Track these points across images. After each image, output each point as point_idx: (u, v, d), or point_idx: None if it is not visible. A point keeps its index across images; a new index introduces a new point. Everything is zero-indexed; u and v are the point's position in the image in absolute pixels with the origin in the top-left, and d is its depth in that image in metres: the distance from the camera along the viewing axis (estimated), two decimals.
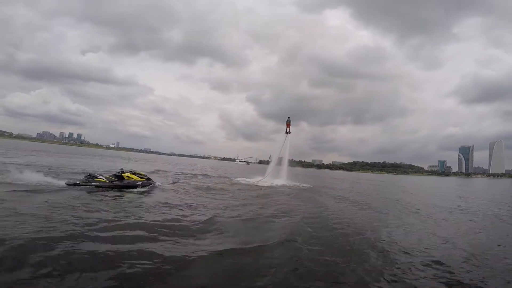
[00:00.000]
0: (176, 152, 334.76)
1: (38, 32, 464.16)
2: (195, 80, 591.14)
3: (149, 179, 17.25)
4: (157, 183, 17.82)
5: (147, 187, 16.44)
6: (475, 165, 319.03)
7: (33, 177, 14.84)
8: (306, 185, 27.93)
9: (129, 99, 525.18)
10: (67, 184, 14.23)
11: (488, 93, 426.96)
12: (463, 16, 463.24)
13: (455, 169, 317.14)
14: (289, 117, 32.16)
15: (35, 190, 12.27)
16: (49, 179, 15.02)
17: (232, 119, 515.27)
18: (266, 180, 28.44)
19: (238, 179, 29.82)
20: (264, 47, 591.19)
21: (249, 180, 28.91)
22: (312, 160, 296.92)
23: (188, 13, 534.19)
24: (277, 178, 29.77)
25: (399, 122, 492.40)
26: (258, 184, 25.66)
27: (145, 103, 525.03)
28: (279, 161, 32.54)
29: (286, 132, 31.86)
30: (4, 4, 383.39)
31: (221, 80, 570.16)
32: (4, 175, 14.80)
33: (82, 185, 14.39)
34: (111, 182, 15.23)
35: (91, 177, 15.12)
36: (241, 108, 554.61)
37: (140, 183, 16.20)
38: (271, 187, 24.02)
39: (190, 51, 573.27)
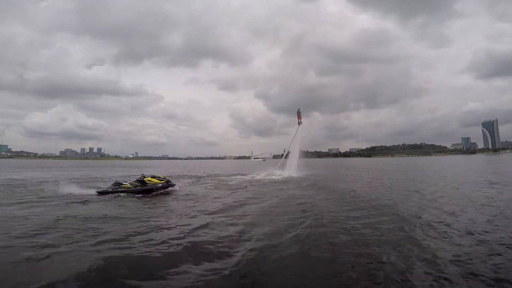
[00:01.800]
0: (193, 156, 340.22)
1: (41, 50, 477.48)
2: (202, 83, 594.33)
3: (168, 181, 18.28)
4: (176, 185, 18.74)
5: (167, 188, 17.53)
6: (502, 140, 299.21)
7: (70, 189, 16.99)
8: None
9: (141, 109, 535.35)
10: (98, 192, 15.99)
11: (504, 66, 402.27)
12: None
13: (480, 145, 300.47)
14: (299, 109, 33.34)
15: (78, 200, 13.99)
16: (83, 190, 17.03)
17: (243, 117, 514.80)
18: (274, 172, 29.69)
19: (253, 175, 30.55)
20: (266, 41, 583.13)
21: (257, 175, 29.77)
22: (328, 149, 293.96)
23: (185, 16, 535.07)
24: (284, 171, 30.66)
25: (415, 102, 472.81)
26: (266, 178, 26.56)
27: (157, 110, 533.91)
28: (290, 154, 33.40)
29: (299, 123, 32.66)
30: (1, 24, 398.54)
31: (227, 80, 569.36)
32: (50, 189, 17.08)
33: (110, 192, 16.01)
34: (135, 187, 16.65)
35: (117, 184, 16.78)
36: (250, 105, 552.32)
37: (160, 185, 17.23)
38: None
39: (193, 54, 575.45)
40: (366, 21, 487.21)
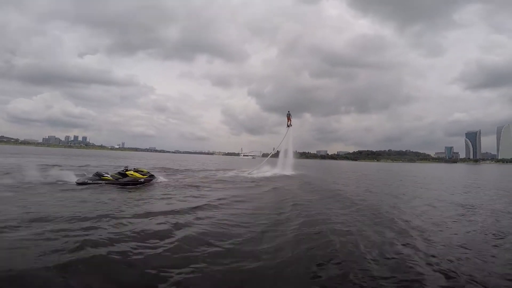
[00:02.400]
0: (181, 150, 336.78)
1: (33, 37, 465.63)
2: (196, 77, 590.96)
3: (151, 175, 18.03)
4: (159, 179, 18.44)
5: (149, 183, 17.15)
6: (483, 151, 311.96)
7: (49, 177, 16.30)
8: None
9: (131, 100, 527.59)
10: (77, 183, 15.49)
11: (493, 78, 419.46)
12: (462, 2, 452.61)
13: (462, 155, 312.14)
14: (289, 111, 33.63)
15: (55, 188, 13.68)
16: (62, 178, 16.37)
17: (235, 114, 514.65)
18: (259, 171, 29.67)
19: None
20: (263, 40, 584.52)
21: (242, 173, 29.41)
22: (316, 151, 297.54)
23: (184, 10, 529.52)
24: (273, 169, 30.92)
25: (404, 110, 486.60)
26: (250, 176, 26.16)
27: (147, 102, 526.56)
28: (279, 153, 33.85)
29: (288, 126, 33.09)
30: None
31: (221, 76, 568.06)
32: (24, 176, 15.79)
33: (90, 183, 15.59)
34: (116, 179, 16.43)
35: (98, 175, 16.58)
36: (243, 102, 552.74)
37: (142, 180, 16.99)
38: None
39: (189, 48, 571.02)
40: (365, 26, 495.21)
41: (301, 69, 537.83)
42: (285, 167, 31.37)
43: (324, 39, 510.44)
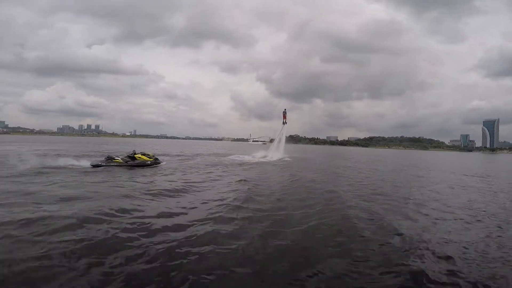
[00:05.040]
0: (191, 136, 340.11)
1: (40, 30, 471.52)
2: (204, 64, 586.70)
3: (156, 159, 19.65)
4: (164, 163, 20.11)
5: (155, 165, 18.81)
6: (500, 140, 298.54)
7: (66, 161, 17.99)
8: None
9: (141, 88, 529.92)
10: (92, 165, 17.21)
11: None
12: None
13: (479, 143, 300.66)
14: (285, 109, 35.39)
15: (74, 170, 15.48)
16: (79, 162, 18.04)
17: (244, 100, 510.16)
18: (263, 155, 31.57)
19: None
20: (271, 25, 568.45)
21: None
22: (327, 137, 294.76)
23: None
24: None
25: (419, 96, 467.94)
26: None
27: (157, 90, 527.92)
28: (274, 142, 35.71)
29: (283, 123, 34.83)
30: (1, 5, 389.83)
31: (229, 62, 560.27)
32: (46, 161, 17.54)
33: (103, 165, 17.37)
34: (126, 162, 18.16)
35: (110, 158, 18.32)
36: (252, 88, 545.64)
37: (149, 162, 18.67)
38: None
39: (195, 35, 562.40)
40: (378, 10, 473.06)
41: (311, 54, 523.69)
42: (283, 152, 32.80)
43: (335, 24, 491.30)
